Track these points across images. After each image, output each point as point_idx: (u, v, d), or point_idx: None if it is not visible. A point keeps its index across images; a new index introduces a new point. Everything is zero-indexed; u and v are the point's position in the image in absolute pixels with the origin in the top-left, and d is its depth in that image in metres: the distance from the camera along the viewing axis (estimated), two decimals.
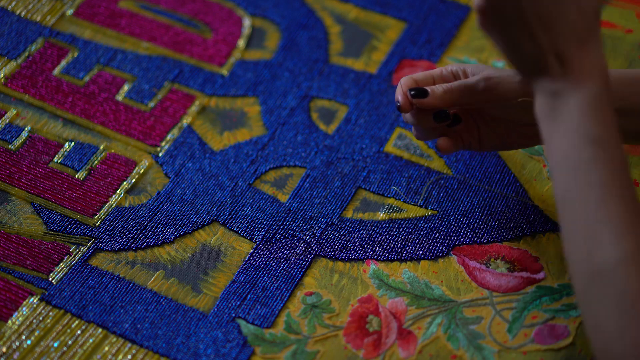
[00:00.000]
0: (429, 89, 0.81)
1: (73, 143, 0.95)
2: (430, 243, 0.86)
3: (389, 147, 0.94)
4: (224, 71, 1.02)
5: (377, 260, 0.85)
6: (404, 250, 0.86)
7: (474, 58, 1.01)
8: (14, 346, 0.80)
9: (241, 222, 0.89)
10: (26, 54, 1.03)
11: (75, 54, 1.03)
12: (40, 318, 0.82)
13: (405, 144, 0.95)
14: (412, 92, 0.81)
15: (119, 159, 0.94)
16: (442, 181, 0.91)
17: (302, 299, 0.83)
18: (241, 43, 1.05)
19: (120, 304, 0.83)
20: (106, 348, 0.80)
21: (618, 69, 0.80)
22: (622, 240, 0.63)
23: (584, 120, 0.66)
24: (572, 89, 0.67)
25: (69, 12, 1.07)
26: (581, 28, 0.67)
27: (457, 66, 0.83)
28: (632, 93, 0.78)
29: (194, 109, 0.98)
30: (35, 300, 0.83)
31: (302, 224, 0.88)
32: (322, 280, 0.84)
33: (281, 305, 0.82)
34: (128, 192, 0.91)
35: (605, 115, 0.66)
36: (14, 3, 1.08)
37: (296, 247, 0.87)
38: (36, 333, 0.81)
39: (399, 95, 0.82)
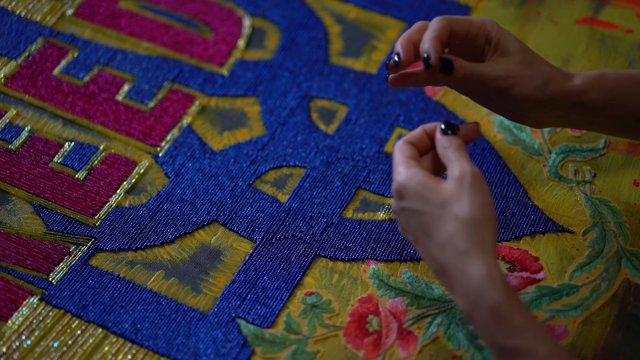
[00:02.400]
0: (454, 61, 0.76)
1: (73, 143, 0.95)
2: None
3: (389, 147, 0.94)
4: (224, 71, 1.02)
5: (377, 260, 0.85)
6: (404, 250, 0.86)
7: None
8: (14, 346, 0.80)
9: (241, 222, 0.89)
10: (26, 54, 1.03)
11: (75, 54, 1.03)
12: (40, 318, 0.82)
13: None
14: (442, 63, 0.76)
15: (119, 159, 0.94)
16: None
17: (302, 299, 0.83)
18: (241, 43, 1.05)
19: (120, 304, 0.83)
20: (106, 348, 0.80)
21: (619, 69, 0.80)
22: None
23: (496, 335, 0.68)
24: (471, 309, 0.69)
25: (69, 12, 1.07)
26: (455, 242, 0.70)
27: (490, 24, 0.78)
28: (635, 93, 0.78)
29: (194, 109, 0.98)
30: (35, 300, 0.83)
31: (302, 224, 0.88)
32: (322, 280, 0.84)
33: (281, 305, 0.82)
34: (128, 192, 0.91)
35: (514, 322, 0.68)
36: (14, 3, 1.08)
37: (296, 247, 0.87)
38: (36, 333, 0.81)
39: (426, 45, 0.76)
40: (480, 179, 0.71)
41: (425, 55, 0.75)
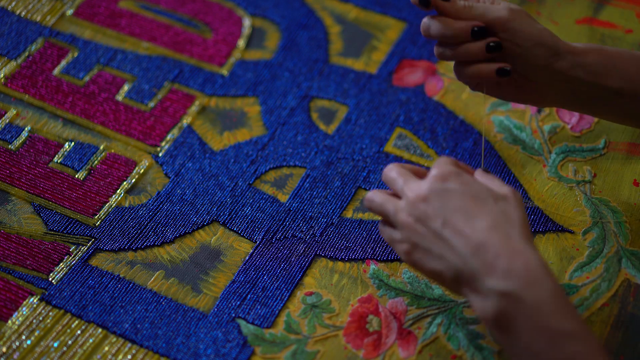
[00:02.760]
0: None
1: (73, 143, 0.95)
2: None
3: (389, 147, 0.94)
4: (224, 71, 1.02)
5: (377, 260, 0.85)
6: None
7: None
8: (14, 346, 0.80)
9: (241, 222, 0.89)
10: (26, 54, 1.03)
11: (75, 54, 1.03)
12: (40, 318, 0.82)
13: (405, 144, 0.95)
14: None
15: (119, 159, 0.94)
16: None
17: (302, 299, 0.83)
18: (241, 43, 1.05)
19: (120, 304, 0.83)
20: (106, 348, 0.80)
21: (627, 49, 0.81)
22: None
23: (555, 317, 0.65)
24: (523, 287, 0.66)
25: (69, 12, 1.07)
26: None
27: None
28: (634, 65, 0.79)
29: (194, 109, 0.98)
30: (35, 300, 0.83)
31: (302, 224, 0.88)
32: (322, 280, 0.84)
33: (281, 305, 0.82)
34: (128, 192, 0.91)
35: (570, 306, 0.66)
36: (14, 3, 1.08)
37: (296, 247, 0.87)
38: (36, 333, 0.81)
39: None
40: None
41: None
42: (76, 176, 0.92)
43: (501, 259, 0.66)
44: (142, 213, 0.90)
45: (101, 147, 0.95)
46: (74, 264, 0.85)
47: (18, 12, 1.07)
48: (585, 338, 0.65)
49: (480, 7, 0.79)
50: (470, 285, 0.68)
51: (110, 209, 0.90)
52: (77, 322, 0.82)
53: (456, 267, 0.69)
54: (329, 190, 0.91)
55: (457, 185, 0.71)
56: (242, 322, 0.81)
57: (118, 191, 0.91)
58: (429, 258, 0.71)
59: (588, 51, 0.79)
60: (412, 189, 0.72)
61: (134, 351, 0.80)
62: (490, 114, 0.96)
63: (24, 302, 0.83)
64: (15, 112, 0.98)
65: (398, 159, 0.93)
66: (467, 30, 0.78)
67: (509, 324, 0.66)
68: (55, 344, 0.80)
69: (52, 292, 0.83)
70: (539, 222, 0.87)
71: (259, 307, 0.82)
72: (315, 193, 0.91)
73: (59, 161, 0.93)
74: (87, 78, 1.01)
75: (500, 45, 0.78)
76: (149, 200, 0.91)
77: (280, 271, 0.85)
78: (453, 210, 0.70)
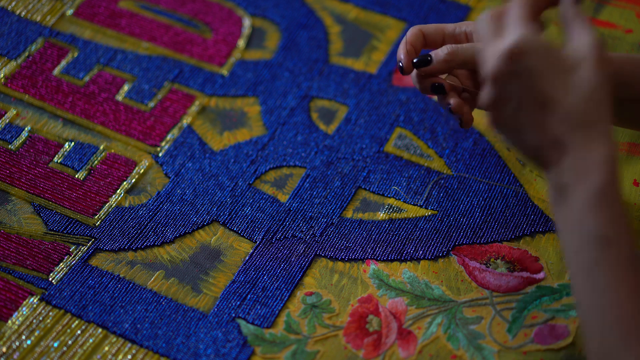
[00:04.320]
0: (432, 53, 0.78)
1: (73, 143, 0.95)
2: (430, 243, 0.86)
3: (389, 147, 0.94)
4: (224, 71, 1.02)
5: (377, 260, 0.85)
6: (404, 250, 0.86)
7: None
8: (14, 346, 0.80)
9: (241, 222, 0.89)
10: (26, 54, 1.03)
11: (75, 54, 1.03)
12: (40, 318, 0.82)
13: (405, 144, 0.95)
14: (415, 62, 0.79)
15: (119, 159, 0.94)
16: (442, 181, 0.91)
17: (302, 299, 0.83)
18: (241, 43, 1.05)
19: (120, 304, 0.83)
20: (106, 348, 0.80)
21: (626, 54, 0.80)
22: (630, 348, 0.62)
23: (588, 218, 0.63)
24: (575, 183, 0.63)
25: (69, 12, 1.07)
26: (582, 112, 0.63)
27: (474, 27, 0.78)
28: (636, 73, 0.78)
29: (194, 109, 0.98)
30: (35, 300, 0.83)
31: (302, 224, 0.88)
32: (322, 280, 0.84)
33: (281, 305, 0.82)
34: (128, 192, 0.91)
35: (611, 211, 0.63)
36: (14, 3, 1.08)
37: (296, 247, 0.87)
38: (36, 333, 0.81)
39: (401, 54, 0.79)
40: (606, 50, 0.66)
41: (399, 63, 0.80)
42: (76, 176, 0.92)
43: (570, 154, 0.64)
44: (142, 213, 0.90)
45: (101, 147, 0.95)
46: (74, 264, 0.85)
47: (18, 12, 1.07)
48: (613, 245, 0.62)
49: (462, 53, 0.78)
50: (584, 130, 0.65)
51: (110, 209, 0.90)
52: (77, 322, 0.82)
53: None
54: (329, 190, 0.91)
55: (532, 62, 0.65)
56: (242, 322, 0.81)
57: (118, 191, 0.91)
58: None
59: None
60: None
61: (134, 351, 0.80)
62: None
63: (24, 302, 0.83)
64: (15, 112, 0.98)
65: (398, 159, 0.93)
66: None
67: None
68: (55, 344, 0.80)
69: (52, 292, 0.83)
70: (539, 222, 0.87)
71: (259, 307, 0.82)
72: (315, 193, 0.91)
73: (59, 161, 0.93)
74: (87, 78, 1.01)
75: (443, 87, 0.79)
76: (149, 200, 0.91)
77: (280, 271, 0.85)
78: (526, 96, 0.65)
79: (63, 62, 1.02)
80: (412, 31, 0.80)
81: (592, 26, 0.66)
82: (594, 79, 0.64)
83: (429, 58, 0.78)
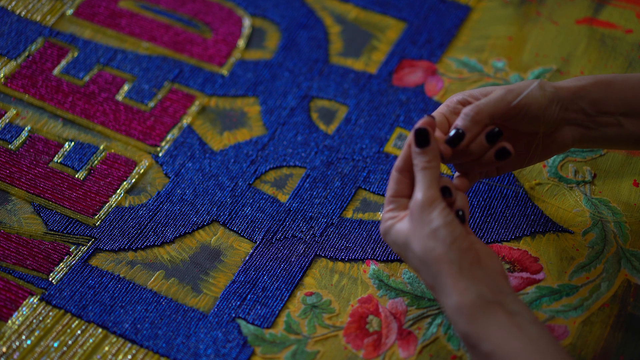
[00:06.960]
0: (460, 126, 0.75)
1: (73, 143, 0.95)
2: None
3: (389, 147, 0.94)
4: (224, 71, 1.02)
5: (377, 260, 0.85)
6: None
7: (474, 58, 1.01)
8: (14, 346, 0.80)
9: (241, 222, 0.89)
10: (26, 53, 1.03)
11: (75, 54, 1.03)
12: (40, 318, 0.82)
13: None
14: (449, 141, 0.75)
15: (119, 159, 0.94)
16: None
17: (302, 299, 0.83)
18: (241, 43, 1.05)
19: (120, 304, 0.83)
20: (106, 348, 0.80)
21: (623, 74, 0.80)
22: None
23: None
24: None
25: (69, 12, 1.07)
26: (429, 276, 0.72)
27: (461, 95, 0.78)
28: (636, 96, 0.78)
29: (194, 109, 0.98)
30: (35, 300, 0.83)
31: (302, 224, 0.88)
32: (322, 280, 0.84)
33: (281, 305, 0.82)
34: (128, 192, 0.91)
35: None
36: (14, 3, 1.08)
37: (296, 247, 0.87)
38: (36, 333, 0.81)
39: (441, 147, 0.75)
40: (428, 205, 0.71)
41: (444, 158, 0.77)
42: (76, 176, 0.92)
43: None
44: (142, 213, 0.90)
45: (101, 147, 0.95)
46: (74, 264, 0.85)
47: (18, 12, 1.07)
48: None
49: (484, 106, 0.76)
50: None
51: (110, 209, 0.90)
52: (77, 322, 0.82)
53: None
54: (329, 191, 0.91)
55: (391, 247, 0.76)
56: (242, 322, 0.81)
57: (118, 191, 0.91)
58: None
59: (584, 85, 0.78)
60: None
61: (134, 351, 0.80)
62: None
63: (24, 302, 0.83)
64: (15, 112, 0.98)
65: None
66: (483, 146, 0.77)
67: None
68: (55, 344, 0.80)
69: (52, 292, 0.83)
70: (539, 222, 0.87)
71: (259, 307, 0.82)
72: (315, 193, 0.91)
73: (59, 161, 0.93)
74: (87, 78, 1.01)
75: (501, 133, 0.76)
76: (149, 200, 0.91)
77: (280, 271, 0.85)
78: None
79: (63, 62, 1.02)
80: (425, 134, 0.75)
81: (424, 179, 0.73)
82: (416, 246, 0.72)
83: (460, 131, 0.75)
